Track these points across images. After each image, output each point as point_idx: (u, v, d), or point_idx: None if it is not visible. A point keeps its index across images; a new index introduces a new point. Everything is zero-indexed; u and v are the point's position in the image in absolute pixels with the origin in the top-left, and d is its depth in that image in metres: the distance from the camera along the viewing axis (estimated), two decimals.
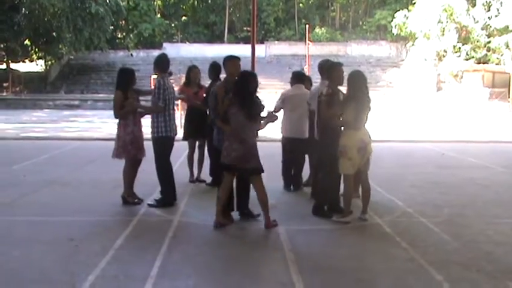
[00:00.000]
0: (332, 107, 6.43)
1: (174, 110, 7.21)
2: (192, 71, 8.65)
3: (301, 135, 7.94)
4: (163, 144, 7.05)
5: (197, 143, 8.69)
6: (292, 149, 8.14)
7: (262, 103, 6.18)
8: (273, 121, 6.30)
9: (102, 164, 10.57)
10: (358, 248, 5.68)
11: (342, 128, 6.49)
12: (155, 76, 7.43)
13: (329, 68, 6.83)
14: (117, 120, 7.20)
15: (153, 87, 7.40)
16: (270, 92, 22.95)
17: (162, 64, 7.18)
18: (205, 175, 8.54)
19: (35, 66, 39.68)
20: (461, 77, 34.73)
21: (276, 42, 43.93)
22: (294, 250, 5.40)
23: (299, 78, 8.33)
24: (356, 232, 6.23)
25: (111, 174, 8.69)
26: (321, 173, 6.88)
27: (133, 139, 7.05)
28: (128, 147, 7.03)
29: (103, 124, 20.24)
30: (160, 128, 6.98)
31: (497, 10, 31.84)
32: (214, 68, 8.30)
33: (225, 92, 6.26)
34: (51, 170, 10.01)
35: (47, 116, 24.54)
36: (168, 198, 7.11)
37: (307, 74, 10.08)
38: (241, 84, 6.04)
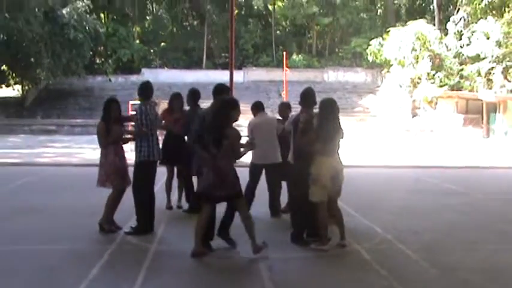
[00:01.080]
0: (306, 134, 6.44)
1: (157, 135, 7.21)
2: (176, 99, 8.56)
3: (275, 160, 7.94)
4: (145, 168, 7.01)
5: (175, 169, 8.63)
6: (268, 175, 8.13)
7: (238, 131, 6.14)
8: (251, 149, 6.35)
9: (78, 190, 10.42)
10: (338, 276, 5.65)
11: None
12: (133, 102, 7.45)
13: (304, 95, 6.83)
14: (98, 147, 7.15)
15: (132, 113, 7.41)
16: (248, 118, 22.91)
17: (146, 91, 7.21)
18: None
19: (11, 91, 39.24)
20: (436, 103, 35.27)
21: (254, 68, 44.18)
22: (273, 279, 5.35)
23: (259, 107, 8.36)
24: (335, 260, 6.20)
25: (88, 201, 8.59)
26: (296, 199, 6.85)
27: (115, 169, 7.02)
28: (110, 176, 7.00)
29: (80, 149, 19.99)
30: (143, 153, 6.97)
31: (469, 39, 32.56)
32: (193, 94, 8.32)
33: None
34: (26, 197, 9.83)
35: (23, 142, 24.17)
36: (144, 225, 7.00)
37: (285, 100, 10.12)
38: (214, 111, 6.08)
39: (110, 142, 7.02)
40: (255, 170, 8.14)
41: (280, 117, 8.56)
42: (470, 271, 5.71)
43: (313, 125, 6.50)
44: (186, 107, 8.56)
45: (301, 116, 6.74)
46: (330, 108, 6.45)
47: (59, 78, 36.19)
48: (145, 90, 7.21)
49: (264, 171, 8.14)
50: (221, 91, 6.78)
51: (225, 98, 6.33)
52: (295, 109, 7.60)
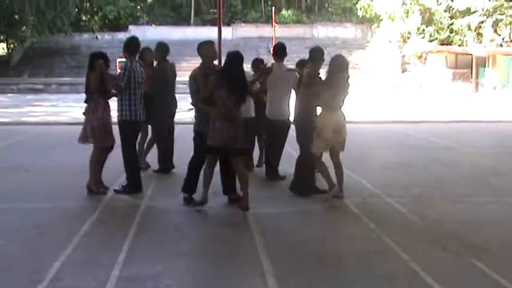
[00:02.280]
0: (312, 88, 6.56)
1: (141, 94, 6.96)
2: (146, 53, 8.11)
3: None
4: (128, 128, 6.87)
5: (149, 127, 8.35)
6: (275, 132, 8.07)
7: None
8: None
9: (67, 149, 10.35)
10: (325, 229, 5.73)
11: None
12: (120, 59, 7.24)
13: (313, 52, 6.87)
14: (85, 105, 7.00)
15: (119, 71, 7.18)
16: None
17: (133, 47, 7.02)
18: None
19: None
20: (425, 58, 35.19)
21: (243, 24, 43.60)
22: (263, 233, 5.41)
23: (280, 53, 7.81)
24: (324, 214, 6.30)
25: (77, 159, 8.53)
26: (303, 153, 6.91)
27: (101, 124, 6.81)
28: (95, 132, 6.79)
29: (68, 108, 19.83)
30: (125, 112, 6.80)
31: None
32: (161, 47, 8.11)
33: (204, 75, 6.19)
34: (15, 156, 9.79)
35: (10, 101, 23.93)
36: (135, 184, 6.99)
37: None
38: (229, 65, 6.08)
39: (101, 91, 6.77)
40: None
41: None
42: (457, 223, 5.80)
43: (318, 80, 6.64)
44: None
45: (305, 71, 6.82)
46: (340, 64, 6.54)
47: (45, 36, 35.57)
48: (132, 46, 7.01)
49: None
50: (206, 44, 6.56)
51: (233, 52, 6.24)
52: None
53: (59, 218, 5.94)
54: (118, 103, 6.87)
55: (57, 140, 12.04)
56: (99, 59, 6.76)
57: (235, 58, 6.11)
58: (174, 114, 8.39)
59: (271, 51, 7.60)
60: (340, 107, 6.57)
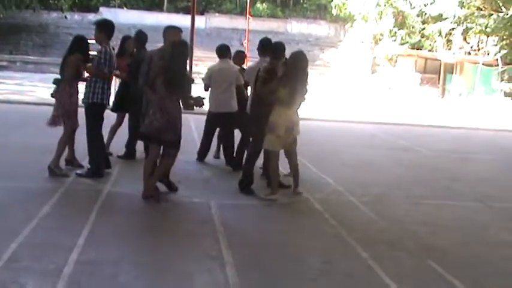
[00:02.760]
0: (268, 84, 6.43)
1: (111, 79, 6.97)
2: (127, 42, 8.23)
3: (228, 109, 7.89)
4: (97, 111, 6.80)
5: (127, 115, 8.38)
6: (220, 124, 8.11)
7: (191, 77, 6.06)
8: (200, 106, 6.26)
9: (31, 129, 10.17)
10: (288, 224, 5.77)
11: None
12: (90, 41, 7.09)
13: (276, 48, 6.79)
14: (51, 85, 6.89)
15: (93, 53, 7.06)
16: (208, 65, 22.65)
17: (110, 31, 6.86)
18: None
19: None
20: (396, 61, 35.66)
21: (217, 14, 43.37)
22: (224, 224, 5.41)
23: (223, 52, 8.15)
24: (286, 208, 6.33)
25: (40, 139, 8.39)
26: (252, 148, 6.89)
27: (75, 108, 6.86)
28: (71, 115, 6.82)
29: (33, 88, 19.42)
30: (97, 95, 6.71)
31: None
32: (140, 36, 8.06)
33: (159, 60, 6.11)
34: None
35: None
36: (98, 168, 6.91)
37: (245, 49, 9.96)
38: (170, 54, 5.92)
39: (74, 75, 6.78)
40: (209, 118, 8.14)
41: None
42: (416, 224, 5.93)
43: (276, 75, 6.48)
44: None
45: (262, 65, 6.74)
46: (300, 61, 6.45)
47: (12, 11, 34.64)
48: (109, 29, 6.84)
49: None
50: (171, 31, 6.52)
51: (180, 41, 6.16)
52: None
53: (19, 198, 5.82)
54: (89, 85, 6.76)
55: (20, 119, 11.78)
56: (80, 49, 6.78)
57: (180, 49, 5.95)
58: None
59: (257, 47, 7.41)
60: (297, 106, 6.50)
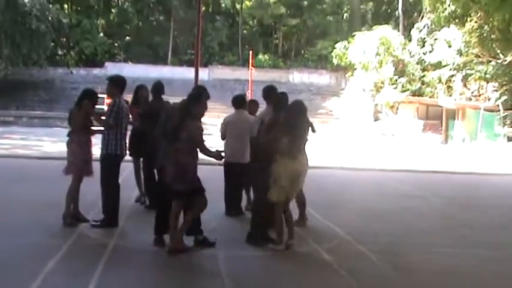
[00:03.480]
0: (270, 133, 6.43)
1: (126, 130, 7.07)
2: (140, 91, 8.51)
3: (240, 159, 7.90)
4: (113, 162, 6.92)
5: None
6: (233, 174, 8.10)
7: (199, 124, 6.09)
8: (219, 159, 6.35)
9: (36, 183, 10.15)
10: (297, 275, 5.65)
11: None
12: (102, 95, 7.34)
13: (281, 99, 6.85)
14: (61, 139, 7.04)
15: (97, 107, 7.27)
16: (213, 116, 22.92)
17: (122, 86, 7.11)
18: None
19: None
20: (397, 108, 35.90)
21: (220, 66, 44.05)
22: (232, 277, 5.32)
23: (240, 103, 8.29)
24: (295, 259, 6.21)
25: (45, 193, 8.39)
26: (256, 200, 6.85)
27: (87, 159, 7.04)
28: (82, 165, 6.98)
29: (39, 142, 19.54)
30: (111, 146, 6.85)
31: (431, 46, 33.24)
32: (157, 87, 8.25)
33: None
34: None
35: None
36: (111, 219, 6.90)
37: (249, 98, 10.07)
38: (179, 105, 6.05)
39: (80, 125, 6.95)
40: (225, 167, 8.12)
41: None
42: (428, 273, 5.80)
43: (278, 125, 6.49)
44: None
45: (267, 116, 6.78)
46: (299, 110, 6.49)
47: (19, 68, 35.27)
48: (121, 84, 7.09)
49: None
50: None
51: (199, 87, 6.32)
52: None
53: (24, 253, 5.75)
54: (104, 138, 6.91)
55: (26, 173, 11.76)
56: (88, 97, 7.03)
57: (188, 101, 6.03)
58: None
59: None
60: (301, 153, 6.46)
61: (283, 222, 6.53)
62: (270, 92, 7.30)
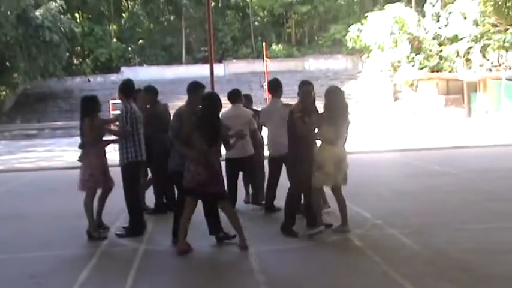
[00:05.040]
0: (306, 123, 6.37)
1: (142, 134, 6.97)
2: (137, 96, 7.98)
3: (244, 153, 7.68)
4: (134, 169, 6.88)
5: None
6: (240, 169, 7.99)
7: (226, 125, 6.13)
8: (242, 138, 6.40)
9: (62, 194, 10.23)
10: (330, 264, 5.59)
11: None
12: (114, 101, 7.26)
13: (299, 87, 6.79)
14: (78, 150, 6.97)
15: (114, 112, 7.22)
16: None
17: (128, 89, 7.01)
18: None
19: None
20: (417, 86, 35.44)
21: (234, 60, 44.00)
22: (265, 272, 5.27)
23: (235, 97, 8.04)
24: (326, 248, 6.14)
25: (73, 204, 8.40)
26: (291, 190, 6.77)
27: (104, 170, 6.89)
28: (98, 178, 6.82)
29: (62, 152, 19.73)
30: (130, 154, 6.77)
31: (446, 20, 32.73)
32: (151, 91, 8.08)
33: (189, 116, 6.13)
34: (8, 204, 9.64)
35: (3, 148, 23.81)
36: (138, 227, 6.88)
37: (265, 90, 10.03)
38: (204, 109, 5.95)
39: (95, 137, 6.83)
40: (227, 163, 8.03)
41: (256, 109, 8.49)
42: (462, 252, 5.67)
43: (311, 113, 6.46)
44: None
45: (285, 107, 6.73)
46: (338, 97, 6.49)
47: (37, 81, 35.70)
48: (127, 88, 7.00)
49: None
50: (196, 89, 6.54)
51: (209, 93, 6.23)
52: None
53: (56, 266, 5.78)
54: (122, 146, 6.82)
55: (51, 185, 11.91)
56: (90, 104, 6.88)
57: (211, 101, 5.98)
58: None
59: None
60: (341, 140, 6.45)
61: (321, 206, 6.57)
62: (275, 85, 7.49)
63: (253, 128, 7.88)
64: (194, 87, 6.38)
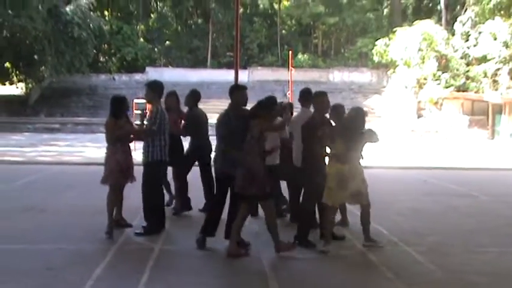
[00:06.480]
0: (325, 136, 6.42)
1: (168, 135, 7.07)
2: (167, 99, 8.23)
3: (271, 162, 7.74)
4: (157, 168, 6.97)
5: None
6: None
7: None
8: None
9: (81, 189, 10.37)
10: (342, 277, 5.58)
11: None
12: (138, 100, 7.38)
13: (314, 97, 6.83)
14: (105, 145, 7.09)
15: (136, 112, 7.37)
16: None
17: (161, 90, 7.15)
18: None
19: (15, 89, 39.24)
20: (441, 105, 35.13)
21: (259, 67, 44.06)
22: (278, 279, 5.29)
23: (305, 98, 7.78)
24: (340, 261, 6.14)
25: (91, 200, 8.54)
26: (305, 202, 6.78)
27: (121, 167, 6.96)
28: (114, 174, 6.93)
29: (83, 148, 19.98)
30: (156, 153, 6.88)
31: (476, 40, 32.43)
32: (194, 95, 8.26)
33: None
34: (29, 196, 9.77)
35: (26, 140, 24.14)
36: (156, 225, 6.95)
37: (289, 99, 10.03)
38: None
39: (115, 139, 6.95)
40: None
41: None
42: (477, 274, 5.63)
43: (325, 127, 6.50)
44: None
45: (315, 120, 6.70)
46: (356, 116, 6.51)
47: (63, 76, 36.15)
48: (158, 90, 7.12)
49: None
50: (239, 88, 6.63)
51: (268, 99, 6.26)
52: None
53: (73, 260, 5.86)
54: (147, 145, 6.94)
55: (71, 180, 12.05)
56: (116, 105, 7.05)
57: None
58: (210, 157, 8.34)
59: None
60: (354, 159, 6.41)
61: (333, 224, 6.56)
62: (307, 95, 7.32)
63: (283, 137, 7.78)
64: (237, 87, 6.59)
